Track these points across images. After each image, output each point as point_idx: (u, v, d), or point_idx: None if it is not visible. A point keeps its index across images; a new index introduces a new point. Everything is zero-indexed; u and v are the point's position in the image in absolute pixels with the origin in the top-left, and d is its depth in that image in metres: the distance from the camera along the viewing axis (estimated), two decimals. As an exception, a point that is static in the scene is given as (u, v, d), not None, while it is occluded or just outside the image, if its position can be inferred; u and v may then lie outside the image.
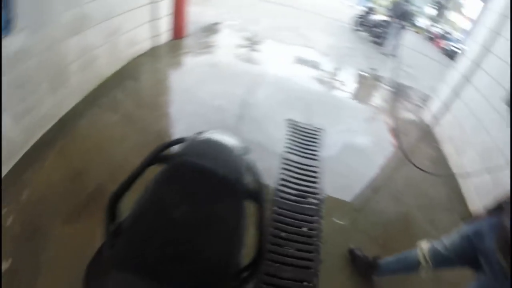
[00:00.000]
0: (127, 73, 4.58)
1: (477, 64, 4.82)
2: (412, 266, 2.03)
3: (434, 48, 18.65)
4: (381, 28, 10.82)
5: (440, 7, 30.95)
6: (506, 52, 4.19)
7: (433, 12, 31.54)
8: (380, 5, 30.44)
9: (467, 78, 4.96)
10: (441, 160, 4.74)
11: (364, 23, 11.95)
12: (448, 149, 4.87)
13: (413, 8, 13.70)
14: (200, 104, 4.22)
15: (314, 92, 5.40)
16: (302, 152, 3.82)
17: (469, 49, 5.22)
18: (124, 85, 4.29)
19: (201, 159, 1.41)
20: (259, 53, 6.42)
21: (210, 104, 4.26)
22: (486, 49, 4.66)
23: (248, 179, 1.48)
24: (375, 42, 10.92)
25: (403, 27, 10.13)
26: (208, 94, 4.45)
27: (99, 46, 3.96)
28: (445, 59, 13.13)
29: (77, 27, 3.41)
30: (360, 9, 13.53)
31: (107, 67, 4.29)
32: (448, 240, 1.91)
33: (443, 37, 21.83)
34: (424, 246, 2.04)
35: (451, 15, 40.51)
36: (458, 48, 14.20)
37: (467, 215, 3.50)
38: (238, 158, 1.54)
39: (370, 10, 12.21)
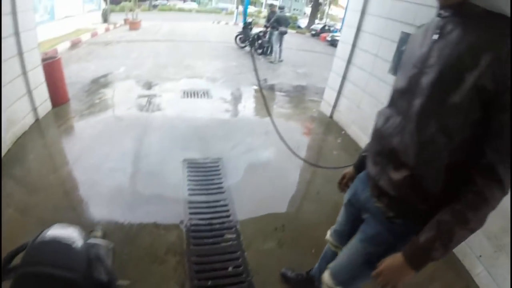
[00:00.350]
0: (12, 159, 3.99)
1: (353, 45, 5.04)
2: (330, 256, 1.92)
3: (320, 42, 19.71)
4: (262, 39, 11.24)
5: (316, 5, 33.28)
6: (375, 27, 4.52)
7: (310, 10, 34.05)
8: (265, 17, 32.26)
9: (349, 60, 5.12)
10: (351, 144, 4.76)
11: (245, 39, 12.26)
12: (354, 132, 4.93)
13: (292, 13, 14.42)
14: (94, 171, 3.75)
15: (208, 122, 5.16)
16: (206, 189, 3.54)
17: (344, 33, 5.44)
18: (11, 173, 3.71)
19: (40, 265, 1.25)
20: (148, 97, 6.05)
21: (103, 168, 3.80)
22: (357, 29, 4.94)
23: (97, 271, 1.34)
24: (260, 54, 11.34)
25: (282, 33, 10.51)
26: (100, 158, 3.98)
27: None
28: (332, 49, 13.71)
29: None
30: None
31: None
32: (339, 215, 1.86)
33: (325, 30, 23.44)
34: (328, 232, 1.96)
35: (331, 9, 44.03)
36: (338, 36, 15.13)
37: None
38: (81, 253, 1.36)
39: (248, 25, 12.48)
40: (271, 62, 10.52)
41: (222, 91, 6.73)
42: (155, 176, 3.70)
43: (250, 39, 11.77)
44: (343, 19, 23.41)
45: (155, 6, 44.35)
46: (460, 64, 0.97)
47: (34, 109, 4.81)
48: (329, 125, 5.44)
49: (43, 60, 5.21)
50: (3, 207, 2.92)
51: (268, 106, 6.28)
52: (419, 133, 1.10)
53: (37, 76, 4.86)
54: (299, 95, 7.13)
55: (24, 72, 4.49)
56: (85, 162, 3.93)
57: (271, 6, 12.67)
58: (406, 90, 1.18)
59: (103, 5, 20.86)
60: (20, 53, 4.37)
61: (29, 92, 4.64)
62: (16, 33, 4.23)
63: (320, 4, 36.67)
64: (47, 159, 4.12)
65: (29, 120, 4.71)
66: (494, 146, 0.97)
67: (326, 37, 20.68)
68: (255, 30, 11.78)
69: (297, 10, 62.36)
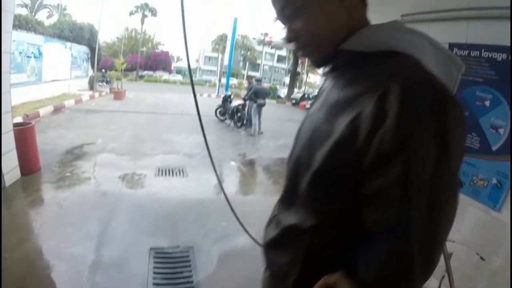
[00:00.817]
0: None
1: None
2: None
3: (300, 111, 20.16)
4: (241, 112, 11.26)
5: (294, 74, 34.72)
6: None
7: (289, 80, 35.47)
8: (246, 88, 33.29)
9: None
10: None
11: (225, 112, 12.33)
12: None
13: (271, 83, 14.67)
14: (53, 254, 3.28)
15: (181, 203, 4.80)
16: (174, 284, 3.14)
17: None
18: None
19: None
20: (121, 174, 5.69)
21: (63, 253, 3.34)
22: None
23: None
24: (240, 126, 11.28)
25: (259, 105, 10.60)
26: (62, 240, 3.53)
27: None
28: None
29: None
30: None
31: None
32: None
33: (304, 98, 24.19)
34: None
35: (309, 78, 45.73)
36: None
37: None
38: None
39: (228, 98, 12.55)
40: (251, 135, 10.45)
41: (198, 168, 6.42)
42: (118, 267, 3.26)
43: (230, 112, 11.81)
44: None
45: (141, 77, 45.64)
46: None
47: (1, 176, 4.49)
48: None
49: (16, 125, 5.00)
50: None
51: (245, 181, 6.06)
52: None
53: (7, 142, 4.60)
54: (277, 169, 6.88)
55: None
56: (46, 242, 3.52)
57: (249, 78, 12.84)
58: None
59: (90, 72, 21.24)
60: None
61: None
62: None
63: (298, 73, 38.31)
64: (5, 233, 3.73)
65: None
66: None
67: (305, 105, 21.25)
68: (235, 103, 11.80)
69: (276, 80, 64.82)
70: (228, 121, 12.11)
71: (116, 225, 4.02)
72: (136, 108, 14.51)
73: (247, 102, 11.18)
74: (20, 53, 12.51)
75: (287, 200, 0.96)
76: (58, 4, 35.82)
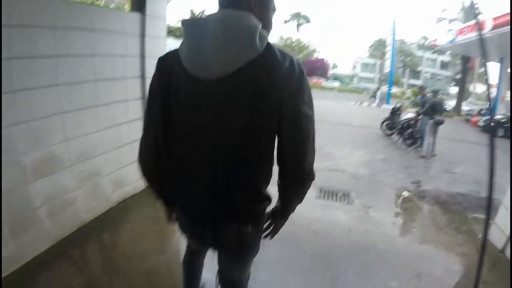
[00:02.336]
0: (108, 221, 3.69)
1: None
2: None
3: (471, 127, 17.21)
4: (412, 128, 9.60)
5: (463, 84, 30.18)
6: None
7: (457, 90, 30.46)
8: (409, 98, 30.26)
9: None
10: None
11: (393, 126, 10.78)
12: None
13: (441, 96, 12.64)
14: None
15: (343, 242, 3.76)
16: None
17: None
18: (101, 237, 3.41)
19: None
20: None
21: None
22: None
23: None
24: (410, 145, 9.60)
25: (437, 122, 8.83)
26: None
27: (73, 190, 3.40)
28: (484, 137, 11.40)
29: (44, 169, 3.00)
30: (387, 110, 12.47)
31: (85, 212, 3.59)
32: None
33: (481, 113, 20.81)
34: None
35: (475, 87, 39.05)
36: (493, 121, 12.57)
37: None
38: None
39: (397, 110, 11.00)
40: (423, 156, 8.68)
41: (366, 195, 5.29)
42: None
43: (399, 126, 10.21)
44: (496, 99, 20.83)
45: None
46: None
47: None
48: (499, 265, 3.45)
49: None
50: None
51: (421, 222, 4.66)
52: None
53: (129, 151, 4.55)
54: (457, 209, 5.18)
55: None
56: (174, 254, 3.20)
57: (421, 89, 11.05)
58: None
59: None
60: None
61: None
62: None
63: (466, 82, 33.15)
64: (141, 237, 3.51)
65: (142, 183, 4.35)
66: None
67: (477, 121, 18.08)
68: (406, 116, 10.17)
69: (440, 90, 57.32)
70: (395, 137, 10.57)
71: (262, 260, 3.27)
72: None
73: (421, 117, 9.48)
74: None
75: None
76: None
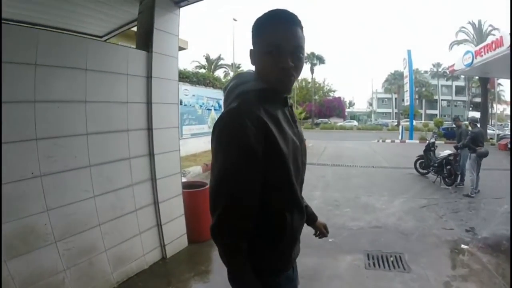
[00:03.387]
0: None
1: None
2: None
3: (501, 152, 16.28)
4: (452, 164, 8.70)
5: (485, 107, 29.07)
6: None
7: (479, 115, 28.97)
8: (430, 130, 29.25)
9: None
10: None
11: (428, 164, 9.89)
12: None
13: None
14: None
15: None
16: None
17: None
18: None
19: None
20: (312, 260, 4.16)
21: None
22: None
23: None
24: (450, 184, 8.72)
25: (481, 155, 7.97)
26: None
27: (61, 271, 2.79)
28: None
29: (22, 245, 2.48)
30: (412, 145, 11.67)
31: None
32: None
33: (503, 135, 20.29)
34: None
35: (496, 108, 37.54)
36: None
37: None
38: None
39: (431, 146, 10.05)
40: (467, 195, 7.77)
41: (420, 256, 4.45)
42: None
43: (436, 164, 9.29)
44: None
45: (317, 124, 45.91)
46: None
47: (162, 246, 4.01)
48: None
49: (187, 185, 4.79)
50: None
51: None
52: None
53: (174, 207, 4.23)
54: None
55: (155, 202, 3.91)
56: None
57: (456, 119, 10.19)
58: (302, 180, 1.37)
59: None
60: (153, 179, 3.89)
61: (159, 225, 3.95)
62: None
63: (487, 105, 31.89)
64: None
65: (152, 258, 3.89)
66: None
67: (506, 144, 17.25)
68: (444, 153, 9.27)
69: (459, 116, 55.31)
70: (432, 176, 9.68)
71: None
72: (319, 159, 13.56)
73: (460, 151, 8.71)
74: (201, 106, 13.94)
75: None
76: (232, 63, 39.02)
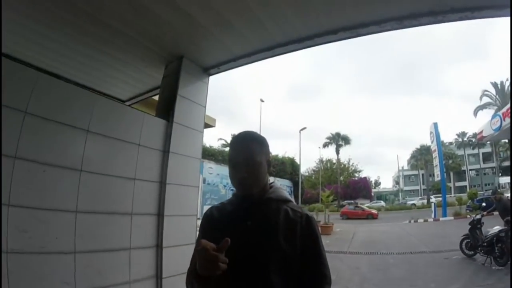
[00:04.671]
0: None
1: None
2: None
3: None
4: (504, 242, 7.81)
5: None
6: None
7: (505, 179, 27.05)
8: (464, 203, 27.90)
9: None
10: None
11: (476, 244, 8.91)
12: None
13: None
14: None
15: None
16: None
17: None
18: None
19: None
20: None
21: None
22: None
23: None
24: (504, 264, 7.72)
25: None
26: None
27: None
28: None
29: None
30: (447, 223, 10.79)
31: None
32: None
33: None
34: None
35: None
36: None
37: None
38: None
39: (478, 223, 9.11)
40: None
41: None
42: None
43: (485, 243, 8.35)
44: None
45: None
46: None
47: None
48: None
49: None
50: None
51: None
52: None
53: None
54: None
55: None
56: None
57: (495, 192, 9.40)
58: None
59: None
60: (158, 276, 3.16)
61: None
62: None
63: None
64: None
65: None
66: None
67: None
68: (494, 229, 8.36)
69: (488, 184, 54.35)
70: (481, 257, 8.68)
71: None
72: (350, 246, 12.65)
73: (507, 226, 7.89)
74: (224, 186, 14.49)
75: None
76: None
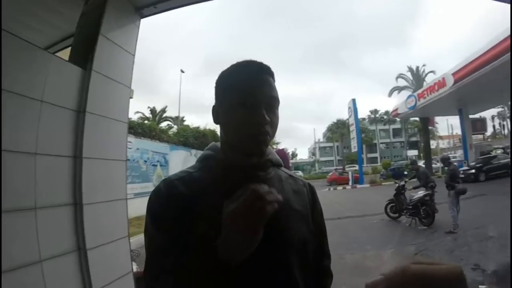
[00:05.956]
0: None
1: None
2: None
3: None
4: (428, 205, 8.69)
5: (427, 147, 31.13)
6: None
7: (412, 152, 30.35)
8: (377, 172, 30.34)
9: None
10: None
11: (401, 207, 9.69)
12: None
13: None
14: None
15: None
16: None
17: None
18: None
19: None
20: None
21: None
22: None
23: None
24: (429, 224, 8.61)
25: (459, 192, 8.11)
26: None
27: None
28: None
29: None
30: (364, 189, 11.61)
31: None
32: None
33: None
34: None
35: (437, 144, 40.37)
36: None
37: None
38: None
39: (402, 189, 9.92)
40: (450, 232, 7.63)
41: None
42: None
43: (410, 206, 9.12)
44: (464, 147, 22.79)
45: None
46: None
47: None
48: None
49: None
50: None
51: None
52: None
53: None
54: None
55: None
56: None
57: (413, 163, 10.80)
58: None
59: None
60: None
61: None
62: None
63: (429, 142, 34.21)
64: None
65: None
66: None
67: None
68: (419, 194, 9.18)
69: (398, 156, 61.03)
70: (405, 219, 9.44)
71: None
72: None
73: (430, 191, 8.78)
74: (145, 161, 12.68)
75: None
76: (176, 116, 37.91)
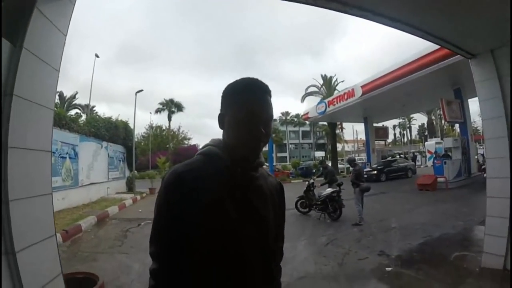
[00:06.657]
0: None
1: None
2: None
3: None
4: (336, 200, 9.63)
5: (334, 148, 33.81)
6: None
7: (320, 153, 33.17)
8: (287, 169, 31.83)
9: None
10: None
11: (310, 203, 10.49)
12: None
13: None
14: None
15: None
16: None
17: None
18: None
19: None
20: None
21: None
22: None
23: None
24: (337, 218, 9.56)
25: (364, 190, 9.20)
26: None
27: None
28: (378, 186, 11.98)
29: None
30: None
31: None
32: None
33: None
34: None
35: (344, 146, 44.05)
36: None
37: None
38: None
39: (311, 186, 10.69)
40: (356, 224, 8.66)
41: None
42: None
43: (319, 202, 9.94)
44: (368, 151, 26.69)
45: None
46: None
47: None
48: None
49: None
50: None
51: None
52: None
53: None
54: (443, 257, 5.46)
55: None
56: None
57: (322, 162, 12.02)
58: None
59: (127, 173, 20.60)
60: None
61: None
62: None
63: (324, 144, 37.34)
64: None
65: None
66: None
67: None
68: (327, 191, 10.03)
69: (306, 156, 64.75)
70: (315, 213, 10.24)
71: None
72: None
73: (337, 188, 9.75)
74: (54, 153, 10.71)
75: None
76: (87, 104, 35.43)
